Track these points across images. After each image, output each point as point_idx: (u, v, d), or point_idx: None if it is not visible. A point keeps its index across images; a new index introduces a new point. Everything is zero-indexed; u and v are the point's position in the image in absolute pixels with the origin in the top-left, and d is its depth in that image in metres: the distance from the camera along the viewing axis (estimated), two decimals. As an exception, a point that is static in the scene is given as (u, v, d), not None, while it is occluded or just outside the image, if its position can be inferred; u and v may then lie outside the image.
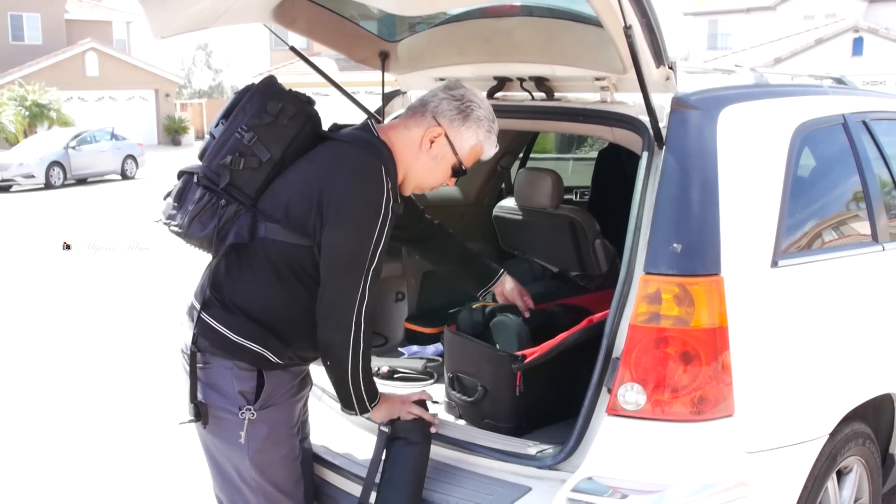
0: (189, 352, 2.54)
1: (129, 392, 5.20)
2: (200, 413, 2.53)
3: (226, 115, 2.57)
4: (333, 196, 2.42)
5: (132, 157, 27.00)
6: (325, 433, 3.00)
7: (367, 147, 2.53)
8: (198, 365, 2.53)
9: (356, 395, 2.56)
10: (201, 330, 2.53)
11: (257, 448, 2.56)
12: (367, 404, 2.60)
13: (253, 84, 2.62)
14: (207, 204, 2.47)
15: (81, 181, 25.54)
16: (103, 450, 4.46)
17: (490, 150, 2.68)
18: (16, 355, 5.73)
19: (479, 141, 2.64)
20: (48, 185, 24.26)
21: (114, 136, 27.36)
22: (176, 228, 2.50)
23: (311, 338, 2.50)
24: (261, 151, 2.50)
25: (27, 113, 29.99)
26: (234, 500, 2.66)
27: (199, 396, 2.54)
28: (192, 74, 64.16)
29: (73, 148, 25.47)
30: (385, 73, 3.57)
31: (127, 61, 42.38)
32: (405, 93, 3.76)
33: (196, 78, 63.90)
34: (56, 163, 24.77)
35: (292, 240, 2.46)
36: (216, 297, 2.55)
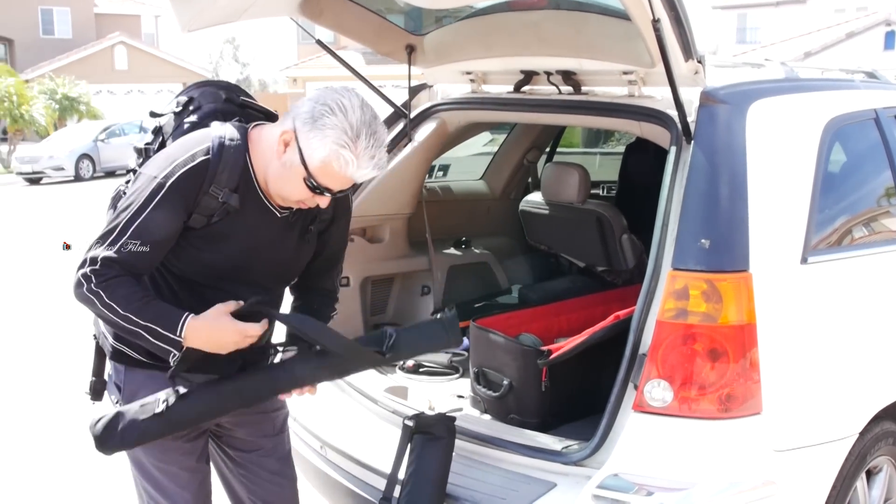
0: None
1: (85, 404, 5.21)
2: (95, 390, 2.55)
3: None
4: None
5: (160, 149, 27.16)
6: (349, 427, 3.00)
7: (212, 132, 2.30)
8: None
9: (147, 334, 2.20)
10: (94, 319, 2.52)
11: None
12: (171, 336, 2.19)
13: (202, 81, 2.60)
14: (118, 190, 2.49)
15: (110, 174, 25.70)
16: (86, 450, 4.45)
17: (346, 170, 2.18)
18: (15, 356, 5.70)
19: (327, 155, 2.16)
20: (77, 178, 24.46)
21: (142, 129, 27.41)
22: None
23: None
24: (157, 140, 2.46)
25: (57, 106, 30.22)
26: (135, 483, 2.55)
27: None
28: (219, 68, 64.43)
29: (102, 141, 25.67)
30: (411, 67, 3.56)
31: (155, 55, 42.62)
32: (431, 86, 3.76)
33: (223, 71, 64.15)
34: (85, 155, 24.97)
35: None
36: None
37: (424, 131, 3.78)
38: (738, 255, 2.44)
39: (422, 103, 3.75)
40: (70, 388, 5.34)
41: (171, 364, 2.23)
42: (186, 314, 2.22)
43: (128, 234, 2.18)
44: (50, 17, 42.16)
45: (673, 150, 2.62)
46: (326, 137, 2.16)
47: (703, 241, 2.44)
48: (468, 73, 3.53)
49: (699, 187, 2.51)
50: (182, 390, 2.24)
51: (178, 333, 2.20)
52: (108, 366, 2.51)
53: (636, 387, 2.47)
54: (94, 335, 2.55)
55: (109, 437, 2.22)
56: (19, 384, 5.44)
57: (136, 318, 2.18)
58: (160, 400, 2.22)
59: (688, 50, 2.51)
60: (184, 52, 48.92)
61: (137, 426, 2.21)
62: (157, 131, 2.48)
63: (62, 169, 24.20)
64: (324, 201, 2.28)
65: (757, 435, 2.44)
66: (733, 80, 2.84)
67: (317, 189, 2.22)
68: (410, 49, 3.51)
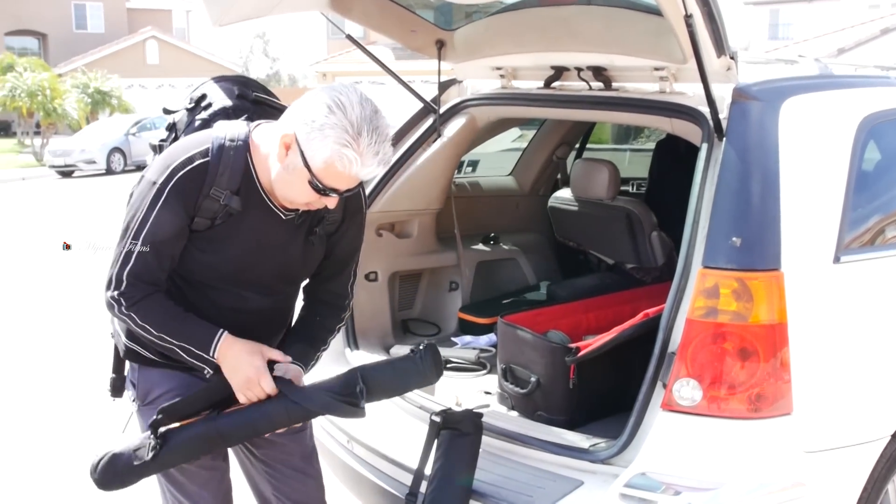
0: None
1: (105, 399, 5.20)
2: (115, 386, 2.56)
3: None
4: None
5: (191, 143, 27.31)
6: (376, 422, 3.00)
7: (213, 133, 2.26)
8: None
9: (181, 352, 2.24)
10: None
11: None
12: (204, 355, 2.24)
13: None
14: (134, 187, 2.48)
15: (141, 167, 25.82)
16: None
17: (350, 169, 2.12)
18: (15, 356, 5.73)
19: (329, 155, 2.10)
20: (109, 171, 24.67)
21: (172, 123, 27.64)
22: None
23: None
24: (170, 137, 2.47)
25: (89, 100, 30.48)
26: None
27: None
28: (249, 63, 64.64)
29: (134, 135, 25.86)
30: (441, 62, 3.55)
31: (186, 49, 42.91)
32: (461, 82, 3.75)
33: (253, 66, 64.37)
34: (117, 149, 25.18)
35: None
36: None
37: (454, 127, 3.77)
38: (769, 254, 2.41)
39: (451, 99, 3.74)
40: (88, 379, 5.40)
41: (205, 377, 2.29)
42: (220, 333, 2.25)
43: (138, 245, 2.19)
44: (83, 12, 42.63)
45: (704, 146, 2.60)
46: (327, 138, 2.09)
47: (734, 239, 2.41)
48: (498, 68, 3.51)
49: (731, 185, 2.48)
50: (169, 429, 2.25)
51: (211, 354, 2.24)
52: (128, 364, 2.52)
53: (665, 385, 2.45)
54: (111, 333, 2.55)
55: (110, 480, 2.27)
56: (18, 386, 5.47)
57: (169, 338, 2.23)
58: (148, 447, 2.22)
59: (720, 46, 2.48)
60: (214, 47, 49.15)
61: (134, 470, 2.25)
62: (171, 128, 2.49)
63: (94, 162, 24.43)
64: (331, 202, 2.23)
65: (787, 435, 2.42)
66: (766, 76, 2.81)
67: (323, 190, 2.16)
68: (440, 44, 3.51)
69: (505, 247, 4.54)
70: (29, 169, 25.23)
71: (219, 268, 2.31)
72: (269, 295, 2.43)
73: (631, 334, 2.90)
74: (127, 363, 2.51)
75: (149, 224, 2.18)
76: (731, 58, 2.56)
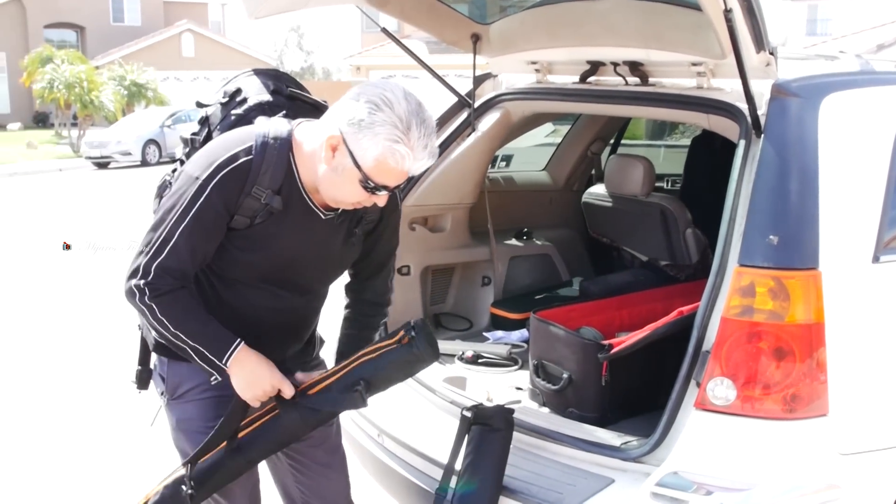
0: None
1: (129, 393, 5.21)
2: (141, 378, 2.56)
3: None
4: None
5: (225, 136, 27.48)
6: (407, 416, 3.00)
7: (256, 130, 2.24)
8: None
9: (193, 353, 2.23)
10: None
11: (173, 435, 2.49)
12: (216, 361, 2.22)
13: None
14: (164, 179, 2.49)
15: (175, 159, 26.09)
16: (102, 450, 4.46)
17: (403, 164, 2.12)
18: (14, 357, 5.77)
19: (381, 153, 2.09)
20: (144, 163, 24.88)
21: (207, 116, 27.84)
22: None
23: None
24: (204, 131, 2.43)
25: (125, 92, 30.75)
26: None
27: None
28: (283, 56, 64.98)
29: (169, 127, 26.06)
30: (476, 56, 3.54)
31: (221, 42, 43.21)
32: (496, 76, 3.73)
33: (288, 59, 64.68)
34: (152, 141, 25.40)
35: None
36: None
37: (488, 121, 3.76)
38: (807, 253, 2.38)
39: (486, 93, 3.73)
40: (57, 396, 5.40)
41: (210, 382, 2.31)
42: (238, 342, 2.23)
43: (174, 238, 2.16)
44: (120, 5, 43.02)
45: (742, 143, 2.57)
46: (377, 135, 2.08)
47: (771, 237, 2.38)
48: (533, 62, 3.50)
49: (768, 182, 2.45)
50: (200, 469, 2.29)
51: (223, 361, 2.21)
52: (154, 356, 2.52)
53: (698, 384, 2.43)
54: (139, 325, 2.53)
55: None
56: (17, 386, 5.52)
57: (185, 337, 2.20)
58: (185, 491, 2.26)
59: (760, 41, 2.45)
60: (249, 40, 49.50)
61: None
62: (204, 122, 2.46)
63: (129, 154, 24.66)
64: (382, 200, 2.22)
65: (822, 437, 2.39)
66: (806, 72, 2.78)
67: (374, 189, 2.16)
68: (476, 38, 3.49)
69: (538, 242, 4.52)
70: (66, 160, 25.51)
71: (257, 267, 2.30)
72: (304, 294, 2.43)
73: (665, 332, 2.88)
74: (154, 356, 2.50)
75: (188, 218, 2.15)
76: (771, 53, 2.53)
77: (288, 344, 2.50)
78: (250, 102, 2.39)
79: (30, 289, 7.23)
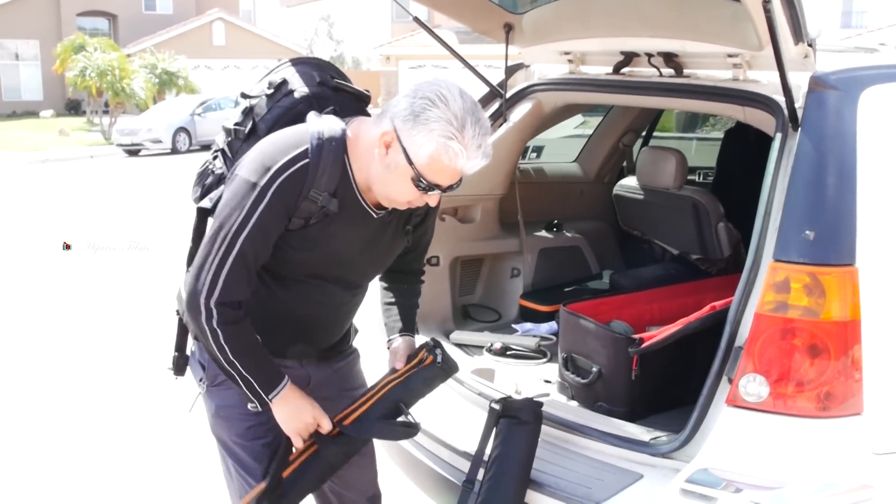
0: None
1: (128, 393, 5.16)
2: (177, 365, 2.55)
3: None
4: (238, 163, 2.24)
5: (254, 124, 27.59)
6: (434, 408, 2.99)
7: (309, 129, 2.20)
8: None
9: (242, 383, 2.25)
10: (178, 290, 2.47)
11: (211, 422, 2.51)
12: (263, 395, 2.26)
13: (295, 58, 2.52)
14: (205, 169, 2.47)
15: (206, 147, 26.17)
16: (102, 451, 4.47)
17: (457, 162, 2.09)
18: (14, 357, 5.78)
19: (435, 149, 2.07)
20: (174, 150, 25.06)
21: (237, 105, 27.98)
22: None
23: (261, 331, 2.28)
24: (248, 123, 2.39)
25: (157, 80, 30.95)
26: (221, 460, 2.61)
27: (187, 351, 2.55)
28: (314, 45, 65.17)
29: (199, 115, 26.23)
30: (508, 46, 3.51)
31: (252, 31, 43.36)
32: (528, 66, 3.70)
33: (318, 48, 64.87)
34: (182, 129, 25.57)
35: None
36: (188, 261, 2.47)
37: (520, 112, 3.74)
38: (844, 249, 2.34)
39: (518, 83, 3.71)
40: (57, 397, 5.39)
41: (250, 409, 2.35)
42: (285, 382, 2.28)
43: (236, 248, 2.14)
44: (152, -8, 43.26)
45: (778, 136, 2.52)
46: (432, 132, 2.05)
47: (807, 232, 2.34)
48: (566, 53, 3.47)
49: (805, 176, 2.41)
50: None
51: (270, 397, 2.26)
52: (191, 343, 2.53)
53: (730, 380, 2.39)
54: (178, 311, 2.51)
55: None
56: (17, 386, 5.52)
57: (240, 366, 2.22)
58: None
59: (798, 32, 2.41)
60: (280, 29, 49.67)
61: None
62: (248, 112, 2.42)
63: (160, 141, 24.83)
64: (433, 199, 2.20)
65: (856, 436, 2.35)
66: (845, 64, 2.73)
67: (426, 187, 2.14)
68: (508, 28, 3.46)
69: (568, 234, 4.49)
70: (97, 147, 25.74)
71: (310, 265, 2.30)
72: (352, 289, 2.45)
73: (697, 327, 2.85)
74: (190, 342, 2.51)
75: (249, 226, 2.13)
76: (809, 45, 2.48)
77: (330, 335, 2.52)
78: (297, 94, 2.36)
79: (28, 288, 7.30)
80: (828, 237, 2.36)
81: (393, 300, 2.68)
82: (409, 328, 2.64)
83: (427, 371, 2.45)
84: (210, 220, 2.29)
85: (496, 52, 3.58)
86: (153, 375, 5.40)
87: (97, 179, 18.43)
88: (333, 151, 2.18)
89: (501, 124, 3.73)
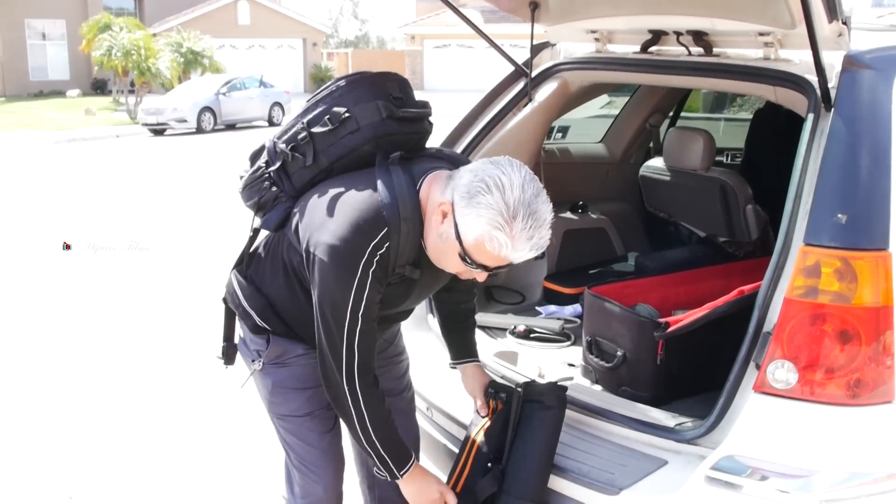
0: (224, 301, 2.63)
1: (129, 394, 5.15)
2: (227, 354, 2.62)
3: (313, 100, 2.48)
4: (319, 240, 2.22)
5: (279, 104, 27.65)
6: (456, 391, 2.97)
7: (385, 202, 2.21)
8: (236, 314, 2.60)
9: (377, 458, 2.36)
10: (228, 285, 2.60)
11: (268, 398, 2.60)
12: (395, 470, 2.37)
13: (354, 75, 2.45)
14: (257, 179, 2.47)
15: (230, 126, 26.34)
16: (102, 450, 4.47)
17: (500, 252, 2.09)
18: (14, 358, 5.78)
19: (480, 234, 2.08)
20: (199, 130, 25.14)
21: (262, 84, 28.06)
22: (239, 186, 2.55)
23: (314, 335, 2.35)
24: (308, 154, 2.38)
25: (182, 60, 31.04)
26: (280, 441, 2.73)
27: (236, 340, 2.63)
28: (338, 24, 65.12)
29: (224, 94, 26.28)
30: (534, 25, 3.46)
31: (277, 10, 43.39)
32: (554, 45, 3.65)
33: (343, 28, 64.82)
34: (207, 108, 25.63)
35: (299, 249, 2.33)
36: (245, 263, 2.57)
37: (545, 91, 3.68)
38: (877, 233, 2.28)
39: (543, 62, 3.65)
40: (58, 397, 5.39)
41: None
42: (413, 459, 2.41)
43: (358, 325, 2.22)
44: (178, -28, 43.27)
45: (810, 117, 2.47)
46: (480, 217, 2.06)
47: (839, 215, 2.29)
48: (593, 31, 3.41)
49: (838, 158, 2.35)
50: None
51: (401, 473, 2.37)
52: (239, 330, 2.61)
53: (758, 366, 2.35)
54: (224, 299, 2.61)
55: None
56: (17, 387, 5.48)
57: (375, 438, 2.31)
58: None
59: (833, 10, 2.34)
60: (305, 9, 49.56)
61: None
62: (307, 140, 2.38)
63: (185, 121, 24.92)
64: (480, 276, 2.24)
65: (887, 424, 2.30)
66: (879, 43, 2.66)
67: (472, 265, 2.17)
68: (534, 6, 3.40)
69: (593, 215, 4.45)
70: (123, 126, 25.87)
71: (383, 312, 2.36)
72: (409, 314, 2.67)
73: (724, 311, 2.80)
74: (238, 330, 2.61)
75: (362, 310, 2.21)
76: (844, 23, 2.42)
77: (383, 348, 2.72)
78: (362, 135, 2.35)
79: (28, 289, 7.33)
80: (860, 221, 2.30)
81: (451, 319, 2.83)
82: (473, 352, 2.81)
83: (503, 415, 2.62)
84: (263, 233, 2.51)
85: (522, 32, 3.53)
86: (153, 376, 5.45)
87: (123, 159, 18.53)
88: (412, 230, 2.22)
89: (526, 104, 3.68)
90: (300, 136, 2.39)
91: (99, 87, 39.14)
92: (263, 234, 2.56)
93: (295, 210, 2.39)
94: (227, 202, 11.80)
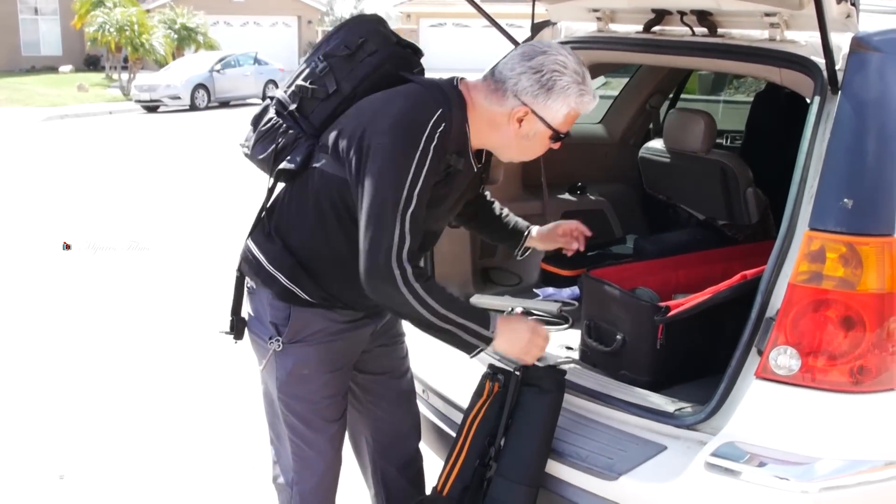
0: (237, 273, 2.60)
1: (129, 394, 5.12)
2: (236, 328, 2.59)
3: (317, 47, 2.57)
4: (376, 128, 2.28)
5: (273, 81, 27.51)
6: (453, 373, 2.95)
7: (432, 89, 2.37)
8: (246, 288, 2.59)
9: (462, 330, 2.35)
10: (244, 254, 2.57)
11: (283, 380, 2.53)
12: (484, 333, 2.37)
13: (352, 18, 2.60)
14: (272, 128, 2.49)
15: (224, 104, 26.26)
16: (101, 450, 4.42)
17: (588, 108, 2.42)
18: (14, 358, 5.72)
19: (572, 108, 2.36)
20: (193, 107, 25.05)
21: (256, 61, 27.95)
22: (245, 150, 2.56)
23: (348, 282, 2.35)
24: (329, 83, 2.46)
25: (175, 36, 30.89)
26: (274, 423, 2.69)
27: (244, 314, 2.60)
28: (334, 2, 64.78)
29: (218, 71, 26.18)
30: (535, 3, 3.41)
31: (272, -13, 43.09)
32: (555, 24, 3.59)
33: (338, 6, 64.50)
34: (201, 85, 25.54)
35: (339, 173, 2.35)
36: (265, 221, 2.55)
37: (545, 71, 3.63)
38: (883, 218, 2.25)
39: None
40: (58, 397, 5.27)
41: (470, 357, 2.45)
42: (489, 313, 2.42)
43: (411, 209, 2.23)
44: (172, -54, 42.94)
45: (816, 100, 2.42)
46: (568, 97, 2.33)
47: (845, 200, 2.26)
48: (595, 10, 3.36)
49: (844, 142, 2.32)
50: None
51: (490, 330, 2.37)
52: (247, 306, 2.58)
53: (760, 352, 2.33)
54: (239, 269, 2.58)
55: None
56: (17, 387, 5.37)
57: (452, 315, 2.31)
58: None
59: (842, -10, 2.31)
60: (300, -15, 49.17)
61: None
62: (326, 71, 2.47)
63: (178, 98, 24.83)
64: (558, 144, 2.47)
65: (889, 412, 2.28)
66: (888, 25, 2.62)
67: (561, 137, 2.42)
68: (535, -17, 3.36)
69: (591, 197, 4.41)
70: (116, 103, 25.77)
71: (426, 222, 2.35)
72: (435, 240, 2.68)
73: (727, 296, 2.77)
74: (246, 305, 2.59)
75: (418, 188, 2.24)
76: (852, 4, 2.38)
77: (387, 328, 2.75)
78: (382, 53, 2.48)
79: (28, 289, 7.28)
80: (867, 206, 2.27)
81: (486, 215, 2.99)
82: (522, 224, 3.07)
83: (499, 399, 2.60)
84: (281, 182, 2.49)
85: (522, 12, 3.47)
86: (153, 376, 5.43)
87: (116, 136, 18.44)
88: (460, 115, 2.36)
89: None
90: (318, 70, 2.48)
91: (92, 63, 38.88)
92: (278, 189, 2.55)
93: (325, 143, 2.41)
94: (223, 182, 11.76)
